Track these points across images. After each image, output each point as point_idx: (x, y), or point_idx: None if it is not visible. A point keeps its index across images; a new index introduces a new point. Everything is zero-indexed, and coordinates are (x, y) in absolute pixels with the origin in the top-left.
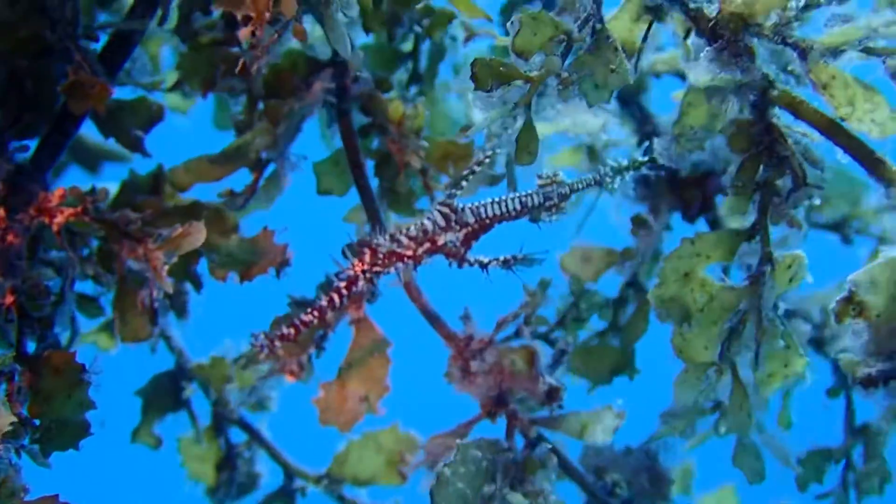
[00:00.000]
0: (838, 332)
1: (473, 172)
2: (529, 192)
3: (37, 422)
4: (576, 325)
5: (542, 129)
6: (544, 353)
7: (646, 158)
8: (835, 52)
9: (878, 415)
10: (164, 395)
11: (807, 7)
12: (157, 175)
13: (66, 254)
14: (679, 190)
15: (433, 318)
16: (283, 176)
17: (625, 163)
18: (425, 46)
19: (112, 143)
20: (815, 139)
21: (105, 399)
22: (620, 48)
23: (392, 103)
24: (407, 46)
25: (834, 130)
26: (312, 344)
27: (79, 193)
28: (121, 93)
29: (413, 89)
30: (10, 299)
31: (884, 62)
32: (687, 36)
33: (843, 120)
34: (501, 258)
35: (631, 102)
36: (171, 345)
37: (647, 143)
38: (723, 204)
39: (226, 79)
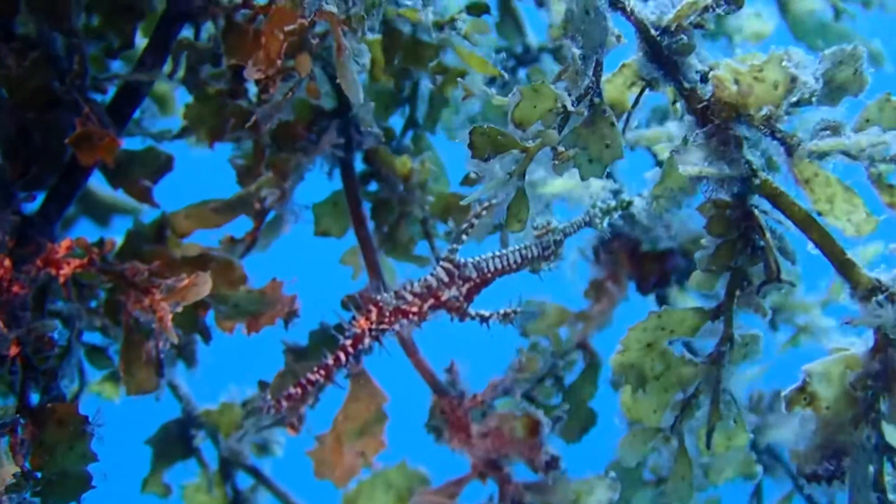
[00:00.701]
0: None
1: (472, 226)
2: (528, 244)
3: (38, 475)
4: (556, 385)
5: (557, 186)
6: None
7: (633, 198)
8: (821, 155)
9: None
10: (174, 442)
11: (797, 104)
12: (160, 223)
13: (73, 305)
14: (639, 261)
15: (428, 375)
16: (284, 223)
17: (613, 203)
18: (423, 92)
19: (122, 196)
20: (788, 228)
21: (107, 449)
22: (616, 123)
23: (400, 158)
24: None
25: (809, 225)
26: (313, 399)
27: (86, 245)
28: (130, 143)
29: (409, 135)
30: (14, 351)
31: (867, 169)
32: (675, 101)
33: (819, 214)
34: (501, 312)
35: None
36: (178, 393)
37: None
38: (689, 279)
39: (235, 131)
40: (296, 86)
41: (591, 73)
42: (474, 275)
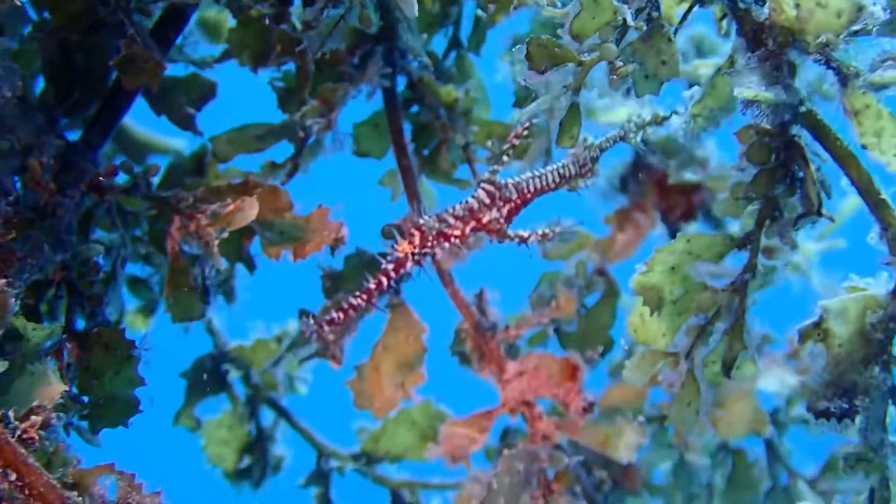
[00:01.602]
0: None
1: (514, 147)
2: (565, 162)
3: (85, 399)
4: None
5: (619, 113)
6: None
7: (668, 114)
8: (879, 88)
9: None
10: (208, 377)
11: (855, 33)
12: (201, 154)
13: (117, 234)
14: (666, 193)
15: (462, 305)
16: (324, 147)
17: (648, 118)
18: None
19: (157, 134)
20: (825, 161)
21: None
22: (673, 39)
23: (445, 87)
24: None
25: (849, 161)
26: (355, 328)
27: (130, 169)
28: (172, 69)
29: (452, 56)
30: (59, 275)
31: None
32: (723, 17)
33: (864, 148)
34: (540, 231)
35: None
36: (211, 327)
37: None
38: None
39: (280, 57)
40: (347, 12)
41: None
42: (514, 195)
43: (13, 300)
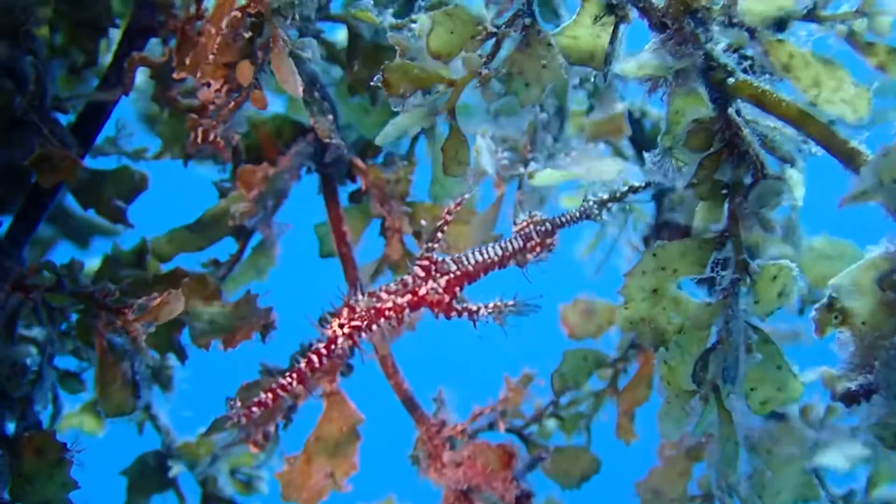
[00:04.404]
0: None
1: (447, 223)
2: (511, 237)
3: None
4: (557, 423)
5: (553, 176)
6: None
7: (632, 185)
8: (779, 22)
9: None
10: (151, 474)
11: None
12: (141, 249)
13: (44, 329)
14: None
15: (407, 398)
16: (272, 245)
17: (608, 194)
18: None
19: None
20: (787, 133)
21: (92, 481)
22: (553, 44)
23: (371, 169)
24: None
25: (803, 120)
26: (281, 414)
27: (54, 267)
28: (105, 162)
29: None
30: None
31: (833, 30)
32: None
33: (813, 105)
34: (491, 304)
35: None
36: (158, 424)
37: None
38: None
39: (197, 147)
40: (242, 96)
41: None
42: (453, 267)
43: None
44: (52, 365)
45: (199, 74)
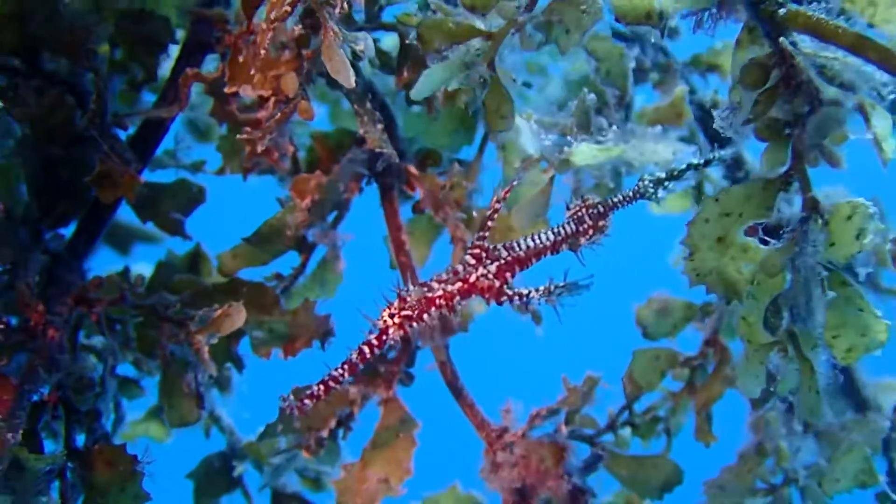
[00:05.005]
0: None
1: (496, 211)
2: (561, 223)
3: None
4: (633, 431)
5: (591, 152)
6: (578, 454)
7: (693, 162)
8: None
9: None
10: (216, 476)
11: None
12: (195, 255)
13: (106, 342)
14: None
15: (467, 404)
16: (336, 258)
17: (662, 174)
18: None
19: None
20: (847, 62)
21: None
22: None
23: (426, 177)
24: None
25: (861, 44)
26: (333, 419)
27: (116, 281)
28: (164, 175)
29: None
30: (55, 395)
31: None
32: None
33: (871, 26)
34: (542, 288)
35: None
36: (221, 425)
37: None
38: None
39: (253, 161)
40: (290, 108)
41: None
42: (504, 254)
43: (12, 434)
44: (113, 375)
45: (249, 88)
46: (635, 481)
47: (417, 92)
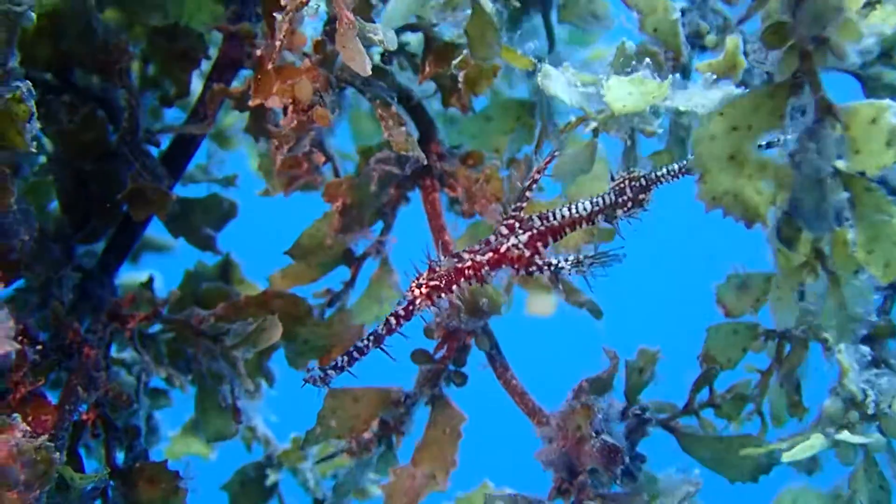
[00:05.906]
0: None
1: (535, 181)
2: (603, 193)
3: None
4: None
5: (630, 87)
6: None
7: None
8: None
9: None
10: (252, 485)
11: None
12: (225, 265)
13: (137, 355)
14: None
15: (517, 393)
16: (388, 272)
17: None
18: None
19: (152, 234)
20: None
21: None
22: None
23: (459, 171)
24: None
25: None
26: (374, 420)
27: (149, 297)
28: (194, 190)
29: None
30: (92, 415)
31: None
32: None
33: None
34: (573, 258)
35: None
36: (257, 434)
37: None
38: None
39: (286, 175)
40: (309, 116)
41: None
42: (537, 223)
43: (58, 454)
44: (146, 390)
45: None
46: (723, 463)
47: (388, 20)
